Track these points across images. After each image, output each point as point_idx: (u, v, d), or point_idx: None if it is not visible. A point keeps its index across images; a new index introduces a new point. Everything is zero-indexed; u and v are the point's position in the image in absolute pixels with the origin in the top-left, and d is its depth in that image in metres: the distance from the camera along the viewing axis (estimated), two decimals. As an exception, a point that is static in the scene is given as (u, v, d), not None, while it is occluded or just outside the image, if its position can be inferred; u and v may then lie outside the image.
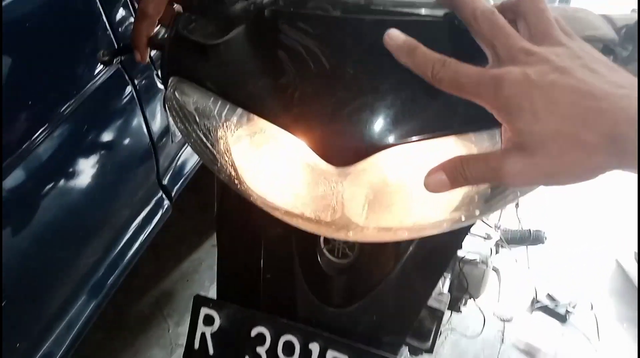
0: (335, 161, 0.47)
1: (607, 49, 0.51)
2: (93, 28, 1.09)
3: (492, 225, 1.55)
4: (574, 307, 1.88)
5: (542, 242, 1.55)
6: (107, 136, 1.24)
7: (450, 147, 0.48)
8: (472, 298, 1.46)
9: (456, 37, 0.46)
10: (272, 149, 0.53)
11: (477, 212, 0.52)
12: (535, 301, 1.91)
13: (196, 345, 0.69)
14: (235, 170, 0.57)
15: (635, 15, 0.50)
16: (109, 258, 1.35)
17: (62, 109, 1.06)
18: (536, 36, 0.42)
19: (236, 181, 0.57)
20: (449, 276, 1.35)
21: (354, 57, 0.48)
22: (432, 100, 0.46)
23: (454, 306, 1.45)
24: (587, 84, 0.37)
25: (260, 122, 0.51)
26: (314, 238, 0.69)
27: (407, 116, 0.46)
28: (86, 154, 1.18)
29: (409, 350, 1.05)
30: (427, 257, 0.68)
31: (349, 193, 0.52)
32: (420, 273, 0.68)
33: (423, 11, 0.50)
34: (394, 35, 0.44)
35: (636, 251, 1.94)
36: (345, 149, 0.46)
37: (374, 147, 0.46)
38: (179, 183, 1.60)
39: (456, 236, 0.69)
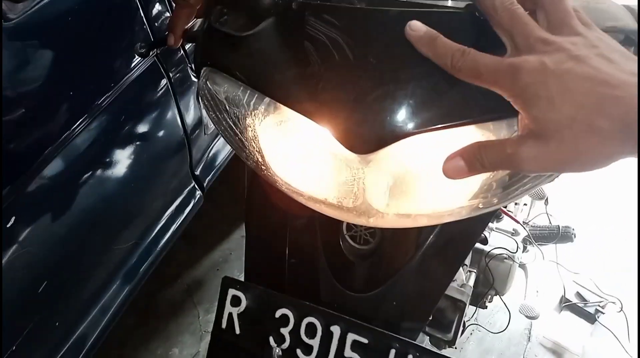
0: (357, 148, 0.49)
1: (628, 39, 0.51)
2: (131, 22, 1.14)
3: (521, 221, 1.55)
4: (603, 307, 1.85)
5: (571, 240, 1.53)
6: (142, 128, 1.29)
7: (470, 135, 0.49)
8: (498, 295, 1.46)
9: (476, 28, 0.48)
10: (297, 137, 0.56)
11: (495, 200, 0.54)
12: (563, 299, 1.89)
13: (224, 325, 0.72)
14: (262, 156, 0.59)
15: None
16: (142, 245, 1.40)
17: (100, 100, 1.10)
18: (554, 26, 0.43)
19: (263, 167, 0.60)
20: (475, 271, 1.35)
21: (377, 48, 0.50)
22: (451, 90, 0.47)
23: (480, 301, 1.46)
24: (602, 72, 0.38)
25: (286, 111, 0.54)
26: (337, 225, 0.71)
27: (427, 105, 0.48)
28: (122, 144, 1.23)
29: (431, 341, 1.06)
30: (447, 245, 0.70)
31: (370, 180, 0.54)
32: (440, 261, 0.70)
33: (445, 3, 0.51)
34: (415, 27, 0.46)
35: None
36: (367, 137, 0.48)
37: (395, 135, 0.48)
38: (211, 174, 1.64)
39: (476, 225, 0.70)
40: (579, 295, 1.90)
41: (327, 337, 0.67)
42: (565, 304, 1.88)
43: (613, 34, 0.50)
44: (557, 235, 1.53)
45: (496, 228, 1.40)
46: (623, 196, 2.19)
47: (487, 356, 1.74)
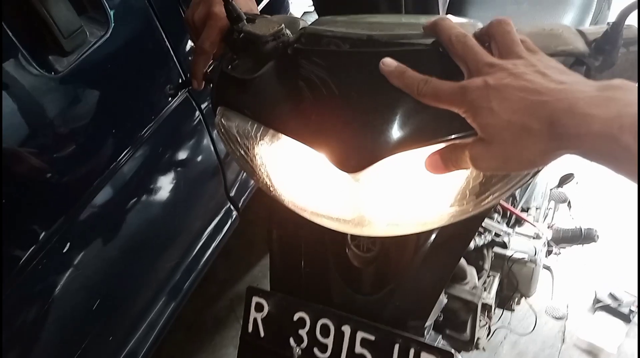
0: (347, 168, 0.58)
1: (578, 61, 0.58)
2: (163, 63, 1.26)
3: (544, 225, 1.59)
4: (638, 307, 1.85)
5: (595, 241, 1.55)
6: (180, 155, 1.41)
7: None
8: (523, 297, 1.50)
9: (441, 60, 0.56)
10: (297, 161, 0.65)
11: (470, 207, 0.62)
12: (596, 300, 1.90)
13: (250, 329, 0.82)
14: (270, 179, 0.69)
15: (605, 27, 0.58)
16: (184, 263, 1.51)
17: (142, 132, 1.23)
18: (503, 53, 0.51)
19: (271, 189, 0.70)
20: (498, 275, 1.41)
21: (358, 83, 0.59)
22: (422, 114, 0.56)
23: (506, 304, 1.50)
24: (534, 84, 0.46)
25: (286, 140, 0.63)
26: (343, 236, 0.79)
27: (402, 128, 0.56)
28: (162, 171, 1.35)
29: (450, 344, 1.12)
30: (442, 250, 0.77)
31: (362, 195, 0.63)
32: (437, 262, 0.77)
33: (414, 41, 0.60)
34: (387, 63, 0.55)
35: None
36: (353, 158, 0.57)
37: (378, 155, 0.56)
38: (245, 195, 1.75)
39: (466, 230, 0.78)
40: (612, 295, 1.90)
41: (339, 336, 0.76)
42: (599, 305, 1.89)
43: (564, 57, 0.57)
44: (580, 237, 1.56)
45: (517, 232, 1.44)
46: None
47: (521, 359, 1.77)
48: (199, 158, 1.51)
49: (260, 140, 0.66)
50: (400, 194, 0.63)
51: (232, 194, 1.66)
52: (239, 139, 0.68)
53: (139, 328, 1.38)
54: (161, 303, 1.44)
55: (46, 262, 1.03)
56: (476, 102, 0.47)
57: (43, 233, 1.02)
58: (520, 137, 0.45)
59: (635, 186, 0.42)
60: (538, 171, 0.61)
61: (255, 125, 0.66)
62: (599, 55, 0.57)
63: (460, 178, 0.60)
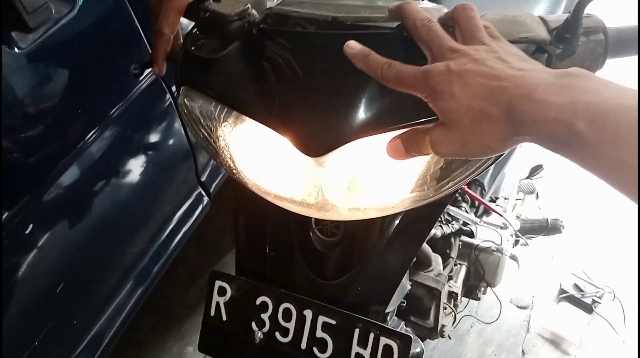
0: (310, 152, 0.57)
1: (540, 49, 0.59)
2: (132, 43, 1.24)
3: (512, 215, 1.61)
4: (600, 297, 1.90)
5: (560, 231, 1.59)
6: (149, 137, 1.39)
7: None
8: (489, 286, 1.52)
9: (406, 44, 0.56)
10: (261, 144, 0.65)
11: (431, 192, 0.62)
12: (561, 291, 1.94)
13: (212, 312, 0.81)
14: (233, 162, 0.68)
15: (566, 16, 0.58)
16: (153, 248, 1.49)
17: (110, 113, 1.20)
18: (465, 39, 0.52)
19: (234, 171, 0.69)
20: (465, 264, 1.43)
21: (323, 66, 0.59)
22: (386, 99, 0.56)
23: (472, 293, 1.52)
24: (495, 70, 0.46)
25: (250, 122, 0.63)
26: (307, 221, 0.79)
27: (366, 113, 0.56)
28: (131, 153, 1.33)
29: (415, 331, 1.13)
30: (404, 236, 0.78)
31: (325, 179, 0.63)
32: (400, 246, 0.78)
33: (379, 24, 0.60)
34: (352, 45, 0.55)
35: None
36: (317, 142, 0.57)
37: (341, 139, 0.56)
38: (217, 180, 1.73)
39: (428, 217, 0.78)
40: (576, 286, 1.95)
41: (301, 320, 0.76)
42: (563, 295, 1.93)
43: (526, 45, 0.58)
44: (546, 227, 1.59)
45: (484, 223, 1.46)
46: (610, 190, 2.22)
47: (487, 347, 1.80)
48: (170, 141, 1.48)
49: (223, 122, 0.65)
50: (362, 179, 0.63)
51: (203, 179, 1.65)
52: (202, 121, 0.68)
53: (105, 312, 1.36)
54: (128, 288, 1.42)
55: (8, 243, 1.00)
56: (438, 86, 0.47)
57: (5, 214, 1.00)
58: (479, 122, 0.46)
59: (587, 173, 0.42)
60: (498, 158, 0.62)
61: (219, 106, 0.65)
62: (559, 43, 0.58)
63: (421, 163, 0.61)
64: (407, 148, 0.53)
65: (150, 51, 1.26)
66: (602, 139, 0.38)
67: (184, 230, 1.61)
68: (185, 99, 0.68)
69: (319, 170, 0.62)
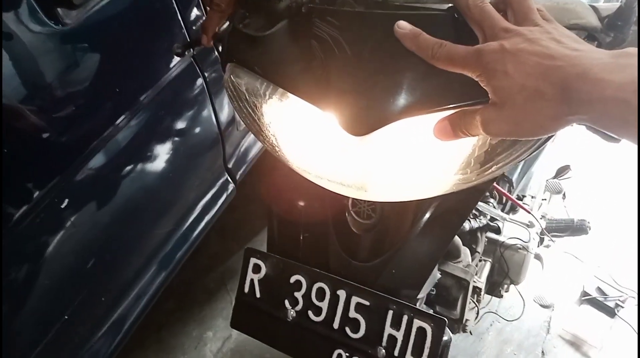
0: (355, 131, 0.58)
1: (590, 36, 0.59)
2: (170, 26, 1.25)
3: (538, 214, 1.60)
4: (624, 301, 1.88)
5: (586, 232, 1.57)
6: (179, 123, 1.40)
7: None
8: (513, 284, 1.51)
9: (455, 25, 0.57)
10: (305, 121, 0.65)
11: (474, 176, 0.62)
12: (583, 293, 1.92)
13: (246, 289, 0.83)
14: (276, 139, 0.69)
15: (618, 4, 0.58)
16: (178, 233, 1.51)
17: (142, 97, 1.22)
18: (518, 20, 0.52)
19: (277, 149, 0.70)
20: (490, 260, 1.42)
21: (371, 45, 0.59)
22: (433, 79, 0.56)
23: (495, 290, 1.52)
24: (549, 49, 0.46)
25: (295, 99, 0.63)
26: (344, 202, 0.80)
27: (413, 93, 0.57)
28: (161, 138, 1.34)
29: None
30: (440, 222, 0.78)
31: (367, 158, 0.64)
32: (434, 234, 0.78)
33: (430, 5, 0.60)
34: (402, 25, 0.55)
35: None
36: (362, 121, 0.57)
37: (386, 119, 0.57)
38: (243, 168, 1.75)
39: (465, 203, 0.78)
40: (599, 289, 1.93)
41: (334, 299, 0.77)
42: (585, 298, 1.91)
43: (577, 31, 0.58)
44: (572, 227, 1.57)
45: (510, 219, 1.46)
46: (637, 193, 2.20)
47: (506, 346, 1.79)
48: (199, 127, 1.50)
49: (268, 99, 0.66)
50: (405, 160, 0.63)
51: (230, 166, 1.66)
52: (247, 97, 0.68)
53: (130, 293, 1.38)
54: (152, 271, 1.44)
55: (44, 216, 1.02)
56: (491, 65, 0.48)
57: (40, 190, 1.01)
58: (532, 101, 0.46)
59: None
60: (543, 143, 0.62)
61: (265, 83, 0.66)
62: (610, 31, 0.58)
63: (467, 146, 0.61)
64: (455, 128, 0.54)
65: (187, 36, 1.30)
66: None
67: (208, 216, 1.62)
68: (231, 76, 0.69)
69: (363, 149, 0.63)
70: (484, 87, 0.50)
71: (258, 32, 0.66)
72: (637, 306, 1.85)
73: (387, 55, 0.58)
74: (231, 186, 1.70)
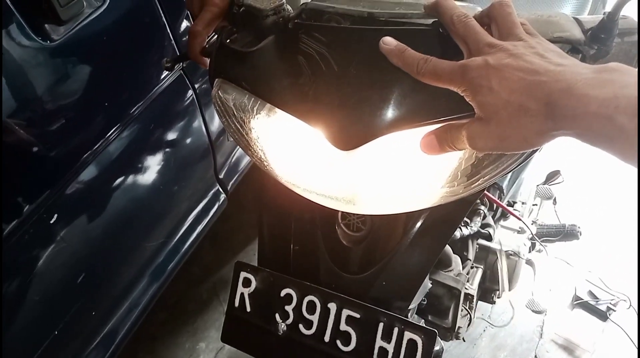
0: (342, 145, 0.58)
1: (574, 49, 0.60)
2: (158, 39, 1.25)
3: (529, 220, 1.61)
4: (615, 304, 1.88)
5: (577, 237, 1.58)
6: (170, 135, 1.40)
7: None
8: (504, 290, 1.52)
9: (441, 40, 0.57)
10: (293, 136, 0.66)
11: (461, 189, 0.63)
12: (575, 297, 1.93)
13: (236, 303, 0.82)
14: (264, 154, 0.69)
15: (602, 17, 0.59)
16: (169, 244, 1.51)
17: (132, 110, 1.22)
18: (502, 35, 0.52)
19: (265, 164, 0.70)
20: (482, 267, 1.43)
21: (357, 61, 0.59)
22: (420, 94, 0.57)
23: (487, 297, 1.52)
24: (534, 65, 0.47)
25: (283, 114, 0.63)
26: (334, 215, 0.80)
27: (399, 107, 0.57)
28: (152, 150, 1.34)
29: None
30: (429, 233, 0.78)
31: (355, 172, 0.64)
32: (424, 245, 0.78)
33: (415, 20, 0.60)
34: (388, 41, 0.56)
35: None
36: (349, 135, 0.58)
37: (373, 134, 0.57)
38: (234, 178, 1.75)
39: (455, 214, 0.79)
40: (591, 293, 1.94)
41: (325, 313, 0.77)
42: (577, 302, 1.92)
43: (560, 44, 0.58)
44: (563, 233, 1.58)
45: (502, 226, 1.46)
46: (628, 197, 2.22)
47: (499, 352, 1.79)
48: (190, 138, 1.50)
49: (256, 114, 0.67)
50: (393, 174, 0.63)
51: (221, 176, 1.66)
52: (235, 112, 0.68)
53: (121, 306, 1.37)
54: (144, 283, 1.43)
55: (33, 231, 1.02)
56: (476, 80, 0.48)
57: (29, 205, 1.01)
58: (517, 116, 0.46)
59: (628, 166, 0.43)
60: (529, 155, 0.62)
61: (252, 98, 0.66)
62: (594, 43, 0.58)
63: (453, 159, 0.61)
64: (442, 143, 0.54)
65: (177, 49, 1.30)
66: None
67: (200, 227, 1.62)
68: (219, 91, 0.69)
69: (350, 163, 0.63)
70: (469, 102, 0.50)
71: (245, 48, 0.67)
72: (637, 313, 1.86)
73: (374, 70, 0.58)
74: (222, 197, 1.70)
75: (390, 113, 0.57)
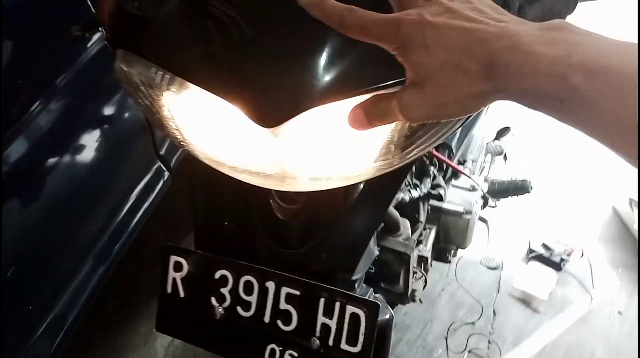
0: (265, 122, 0.51)
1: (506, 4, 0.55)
2: (77, 4, 1.15)
3: (480, 177, 1.60)
4: (569, 255, 1.92)
5: (528, 191, 1.59)
6: (102, 108, 1.31)
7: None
8: (459, 249, 1.52)
9: None
10: (211, 113, 0.59)
11: (396, 161, 0.58)
12: (530, 251, 1.96)
13: (169, 289, 0.78)
14: (181, 133, 0.63)
15: None
16: (111, 226, 1.43)
17: (56, 81, 1.12)
18: None
19: (183, 143, 0.64)
20: (434, 228, 1.41)
21: (275, 23, 0.53)
22: (345, 60, 0.51)
23: (442, 257, 1.52)
24: (472, 21, 0.42)
25: (196, 89, 0.56)
26: (267, 189, 0.75)
27: (324, 77, 0.51)
28: (83, 125, 1.25)
29: (385, 297, 1.11)
30: (369, 199, 0.74)
31: (283, 149, 0.58)
32: (365, 212, 0.74)
33: None
34: None
35: (631, 198, 1.96)
36: (271, 111, 0.51)
37: (297, 108, 0.51)
38: (178, 154, 1.67)
39: (393, 181, 0.75)
40: (544, 245, 1.97)
41: (263, 292, 0.72)
42: (532, 255, 1.95)
43: None
44: (515, 188, 1.58)
45: (453, 185, 1.44)
46: (576, 152, 2.25)
47: (458, 309, 1.81)
48: (125, 113, 1.41)
49: (166, 89, 0.59)
50: (323, 149, 0.58)
51: (162, 152, 1.58)
52: (142, 88, 0.61)
53: (63, 294, 1.31)
54: (88, 267, 1.36)
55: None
56: (411, 37, 0.43)
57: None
58: (455, 78, 0.41)
59: (579, 132, 0.39)
60: (464, 121, 0.58)
61: (160, 72, 0.59)
62: None
63: (385, 132, 0.56)
64: (370, 117, 0.48)
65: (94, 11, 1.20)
66: (604, 94, 0.34)
67: (144, 206, 1.54)
68: (121, 64, 0.61)
69: (275, 140, 0.57)
70: (401, 63, 0.44)
71: (146, 11, 0.59)
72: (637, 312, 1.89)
73: (293, 34, 0.52)
74: (166, 174, 1.62)
75: (314, 85, 0.50)
